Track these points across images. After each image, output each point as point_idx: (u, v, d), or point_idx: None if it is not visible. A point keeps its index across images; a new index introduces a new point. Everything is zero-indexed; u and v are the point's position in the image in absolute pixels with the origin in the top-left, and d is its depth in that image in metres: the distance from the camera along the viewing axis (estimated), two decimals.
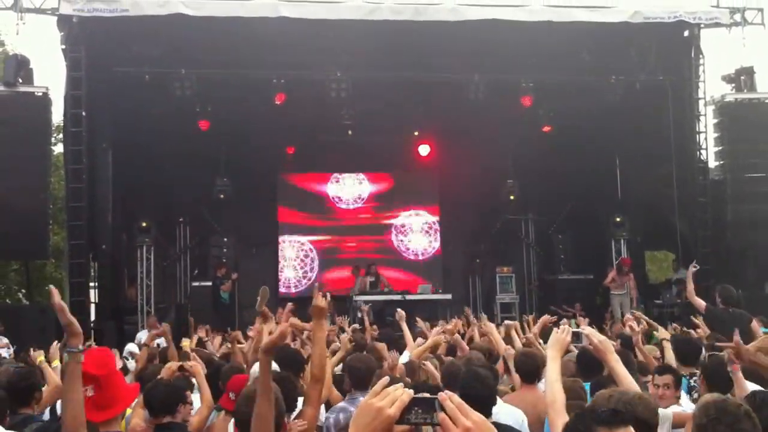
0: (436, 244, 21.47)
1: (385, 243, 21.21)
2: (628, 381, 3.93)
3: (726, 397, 3.63)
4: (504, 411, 5.13)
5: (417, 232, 21.49)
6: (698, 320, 9.53)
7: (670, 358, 7.12)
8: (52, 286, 3.66)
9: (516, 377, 6.46)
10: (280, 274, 20.70)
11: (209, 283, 18.49)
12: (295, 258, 20.93)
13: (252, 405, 3.73)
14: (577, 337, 4.16)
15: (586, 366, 5.93)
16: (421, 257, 21.38)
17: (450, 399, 1.92)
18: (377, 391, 2.00)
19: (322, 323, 4.92)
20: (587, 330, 4.15)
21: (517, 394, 6.05)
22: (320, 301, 4.77)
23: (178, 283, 20.04)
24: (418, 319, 11.73)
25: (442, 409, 1.92)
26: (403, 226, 21.48)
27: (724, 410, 3.34)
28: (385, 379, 2.05)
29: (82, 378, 3.48)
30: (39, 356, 7.29)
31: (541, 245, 21.54)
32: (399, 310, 9.44)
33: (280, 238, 20.87)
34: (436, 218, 21.51)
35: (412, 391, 1.97)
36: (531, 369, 5.97)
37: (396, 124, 19.03)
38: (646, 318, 9.95)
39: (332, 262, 20.84)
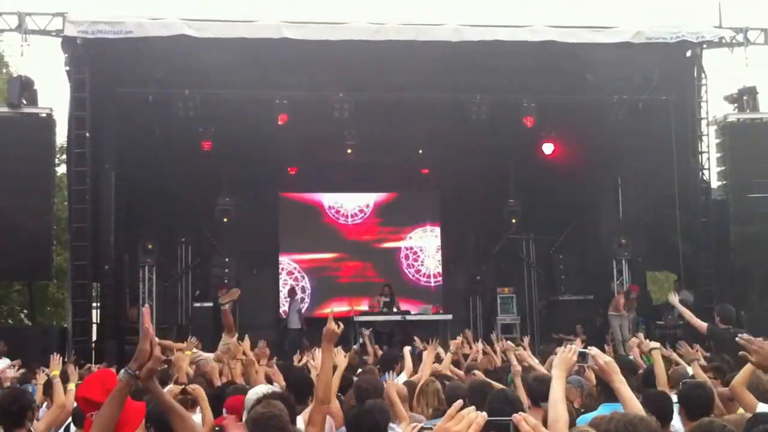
0: (439, 266, 21.37)
1: (386, 263, 21.13)
2: (632, 402, 3.93)
3: (712, 419, 3.67)
4: None
5: (418, 253, 21.41)
6: (682, 348, 9.42)
7: (660, 369, 7.10)
8: (146, 307, 3.63)
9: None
10: (281, 294, 20.62)
11: (210, 304, 18.47)
12: (296, 279, 20.85)
13: (258, 427, 3.77)
14: (582, 357, 4.15)
15: (607, 386, 5.82)
16: (423, 280, 21.28)
17: (525, 420, 1.92)
18: (452, 414, 2.00)
19: (331, 348, 5.03)
20: (593, 351, 4.14)
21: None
22: (333, 326, 4.90)
23: (180, 303, 20.01)
24: (416, 338, 11.75)
25: (517, 431, 1.92)
26: (405, 246, 21.40)
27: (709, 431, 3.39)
28: (459, 402, 2.05)
29: (88, 404, 3.47)
30: (54, 370, 7.14)
31: (542, 266, 21.49)
32: (406, 348, 9.46)
33: (281, 258, 20.82)
34: (438, 238, 21.43)
35: (486, 414, 1.97)
36: (544, 392, 5.88)
37: (398, 144, 19.07)
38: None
39: (332, 282, 20.77)
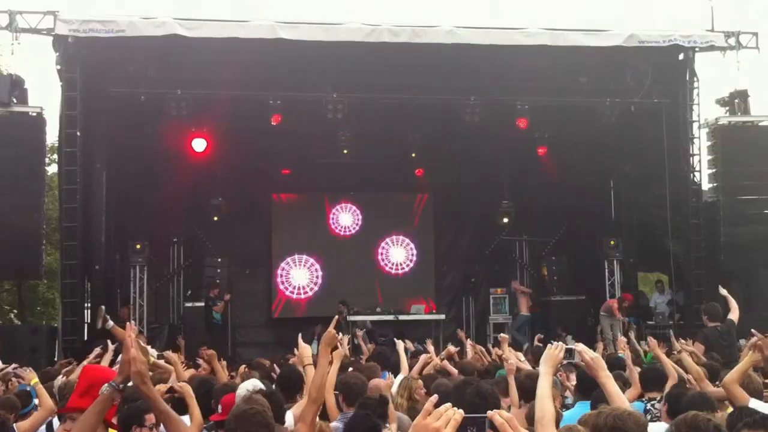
0: (431, 265, 21.35)
1: (379, 263, 21.12)
2: (619, 397, 3.95)
3: (696, 413, 3.72)
4: None
5: (412, 252, 21.38)
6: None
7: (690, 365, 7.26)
8: (132, 322, 3.61)
9: (514, 396, 6.52)
10: (272, 295, 20.59)
11: (202, 304, 18.45)
12: (287, 280, 20.80)
13: (242, 424, 3.78)
14: (569, 353, 4.17)
15: (584, 384, 5.86)
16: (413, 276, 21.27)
17: (499, 415, 1.96)
18: (429, 409, 2.05)
19: (329, 351, 5.28)
20: (580, 346, 4.17)
21: (519, 412, 6.05)
22: (333, 331, 5.22)
23: (171, 303, 19.98)
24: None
25: (493, 426, 1.97)
26: (398, 245, 21.36)
27: (694, 425, 3.46)
28: (434, 397, 2.10)
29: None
30: (33, 378, 7.16)
31: (535, 266, 21.53)
32: (398, 341, 9.51)
33: (274, 259, 20.76)
34: (431, 239, 21.41)
35: (462, 411, 2.01)
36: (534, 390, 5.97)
37: (392, 146, 19.05)
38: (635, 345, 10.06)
39: (324, 282, 20.75)
